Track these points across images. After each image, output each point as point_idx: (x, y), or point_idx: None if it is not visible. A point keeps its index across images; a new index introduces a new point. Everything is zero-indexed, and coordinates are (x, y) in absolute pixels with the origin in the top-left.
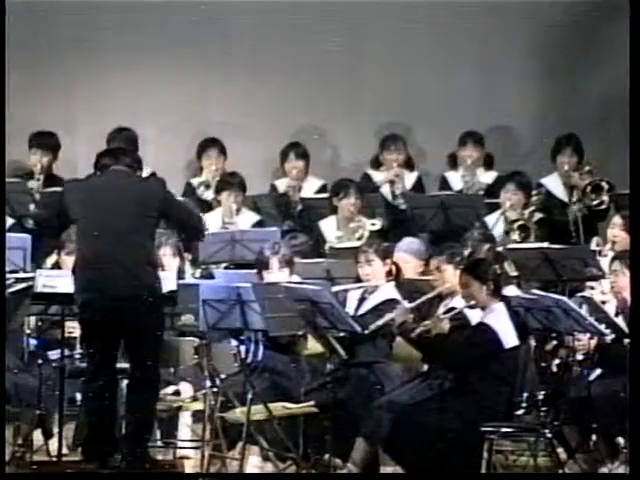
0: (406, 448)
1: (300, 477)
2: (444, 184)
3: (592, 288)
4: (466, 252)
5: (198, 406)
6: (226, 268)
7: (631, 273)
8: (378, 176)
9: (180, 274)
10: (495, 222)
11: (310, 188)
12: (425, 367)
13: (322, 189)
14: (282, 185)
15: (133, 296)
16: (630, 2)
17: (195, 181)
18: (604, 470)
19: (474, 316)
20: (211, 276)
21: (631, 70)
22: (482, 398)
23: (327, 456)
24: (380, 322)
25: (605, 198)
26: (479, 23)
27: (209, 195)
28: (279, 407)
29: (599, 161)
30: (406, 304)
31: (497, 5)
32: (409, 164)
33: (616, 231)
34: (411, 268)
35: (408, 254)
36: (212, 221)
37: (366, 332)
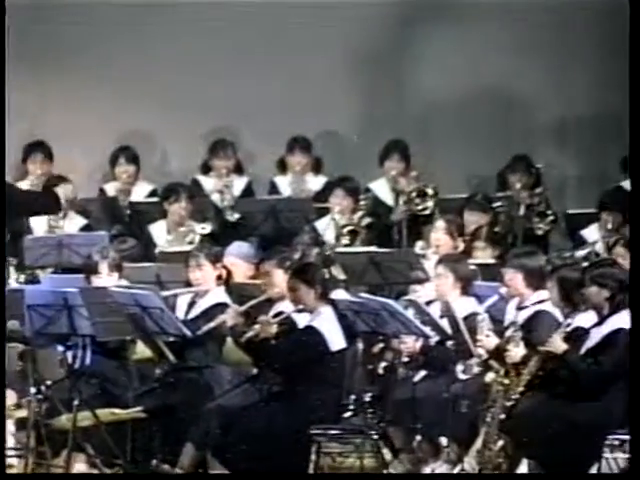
0: (235, 452)
1: (299, 477)
2: (273, 189)
3: (417, 291)
4: (296, 256)
5: (22, 413)
6: (53, 273)
7: (631, 272)
8: (207, 182)
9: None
10: (325, 227)
11: (140, 192)
12: (255, 371)
13: (152, 193)
14: (111, 189)
15: None
16: (630, 2)
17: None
18: (427, 470)
19: (302, 320)
20: (37, 281)
21: (631, 70)
22: (310, 401)
23: (155, 462)
24: (211, 325)
25: (430, 204)
26: (304, 29)
27: None
28: (107, 413)
29: (424, 166)
30: (236, 308)
31: (314, 9)
32: (239, 169)
33: (439, 235)
34: (241, 272)
35: (238, 258)
36: (38, 225)
37: (196, 336)
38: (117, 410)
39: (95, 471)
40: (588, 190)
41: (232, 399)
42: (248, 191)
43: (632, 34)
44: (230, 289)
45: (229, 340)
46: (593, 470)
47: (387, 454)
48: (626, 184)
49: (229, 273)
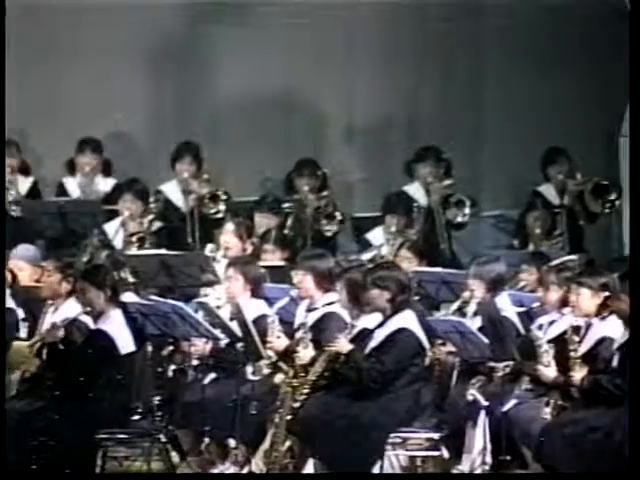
0: (23, 456)
1: (301, 477)
2: (62, 190)
3: (207, 294)
4: (84, 258)
5: None
6: None
7: (631, 272)
8: None
9: None
10: (115, 230)
11: None
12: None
13: None
14: None
15: None
16: (630, 2)
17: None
18: (214, 471)
19: (91, 323)
20: None
21: (631, 69)
22: (98, 404)
23: None
24: None
25: (222, 207)
26: (96, 30)
27: None
28: None
29: (216, 169)
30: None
31: (106, 11)
32: (24, 169)
33: (228, 237)
34: (26, 275)
35: (23, 261)
36: None
37: None
38: None
39: None
40: (373, 194)
41: (19, 403)
42: (34, 192)
43: (632, 34)
44: (15, 292)
45: (15, 344)
46: (376, 468)
47: (175, 457)
48: (409, 188)
49: (14, 276)
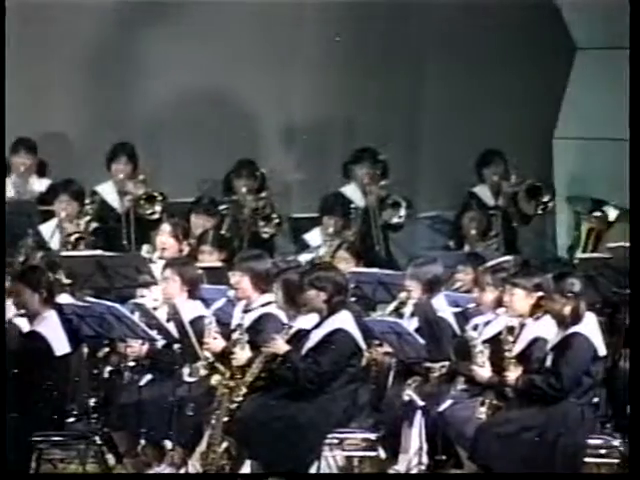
0: None
1: (309, 477)
2: None
3: (144, 295)
4: (20, 259)
5: None
6: None
7: (631, 272)
8: None
9: None
10: (52, 231)
11: None
12: None
13: None
14: None
15: None
16: (630, 2)
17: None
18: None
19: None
20: None
21: (631, 69)
22: (33, 406)
23: None
24: None
25: (158, 208)
26: (31, 29)
27: None
28: None
29: (152, 169)
30: None
31: (37, 9)
32: None
33: (164, 238)
34: None
35: None
36: None
37: None
38: None
39: None
40: (311, 195)
41: None
42: None
43: (632, 34)
44: None
45: None
46: (313, 469)
47: (111, 459)
48: (346, 189)
49: None
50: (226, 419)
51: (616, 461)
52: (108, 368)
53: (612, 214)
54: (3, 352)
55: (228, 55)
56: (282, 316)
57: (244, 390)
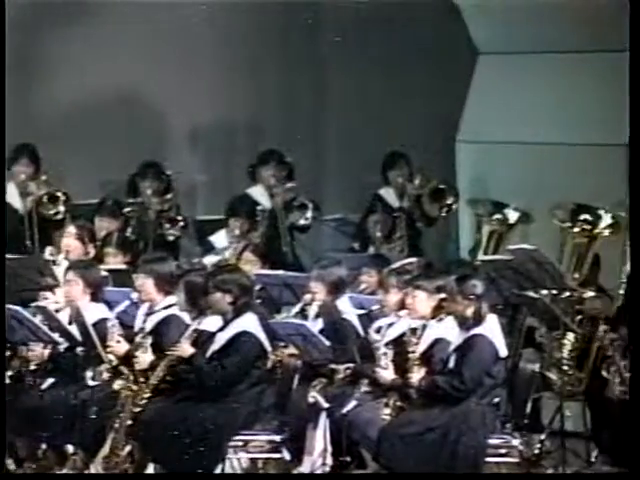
0: None
1: (303, 477)
2: None
3: (47, 298)
4: None
5: None
6: None
7: (631, 271)
8: None
9: None
10: None
11: None
12: None
13: None
14: None
15: None
16: (630, 2)
17: None
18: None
19: None
20: None
21: (631, 69)
22: None
23: None
24: None
25: (61, 208)
26: None
27: None
28: None
29: (56, 171)
30: None
31: None
32: None
33: (69, 241)
34: None
35: None
36: None
37: None
38: None
39: None
40: (217, 197)
41: None
42: None
43: (632, 34)
44: None
45: None
46: (217, 471)
47: (11, 464)
48: (252, 191)
49: None
50: (129, 422)
51: (516, 460)
52: (9, 372)
53: (512, 216)
54: (3, 352)
55: (133, 56)
56: (186, 318)
57: (148, 393)
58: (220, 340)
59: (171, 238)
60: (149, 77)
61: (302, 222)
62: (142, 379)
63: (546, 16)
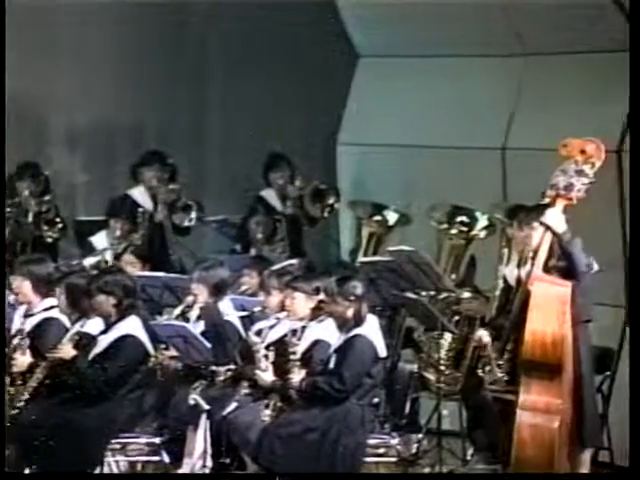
0: None
1: (301, 477)
2: None
3: None
4: None
5: None
6: None
7: (630, 272)
8: None
9: None
10: None
11: None
12: None
13: None
14: None
15: None
16: (630, 2)
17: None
18: None
19: None
20: None
21: (631, 69)
22: None
23: None
24: None
25: None
26: None
27: None
28: None
29: None
30: None
31: None
32: None
33: None
34: None
35: None
36: None
37: None
38: None
39: None
40: (97, 197)
41: None
42: None
43: (632, 34)
44: None
45: None
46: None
47: None
48: (133, 192)
49: None
50: (8, 425)
51: (393, 460)
52: None
53: (392, 218)
54: (3, 352)
55: (10, 54)
56: (65, 321)
57: (26, 396)
58: (103, 343)
59: (49, 240)
60: (29, 77)
61: (186, 223)
62: (19, 382)
63: (429, 19)
